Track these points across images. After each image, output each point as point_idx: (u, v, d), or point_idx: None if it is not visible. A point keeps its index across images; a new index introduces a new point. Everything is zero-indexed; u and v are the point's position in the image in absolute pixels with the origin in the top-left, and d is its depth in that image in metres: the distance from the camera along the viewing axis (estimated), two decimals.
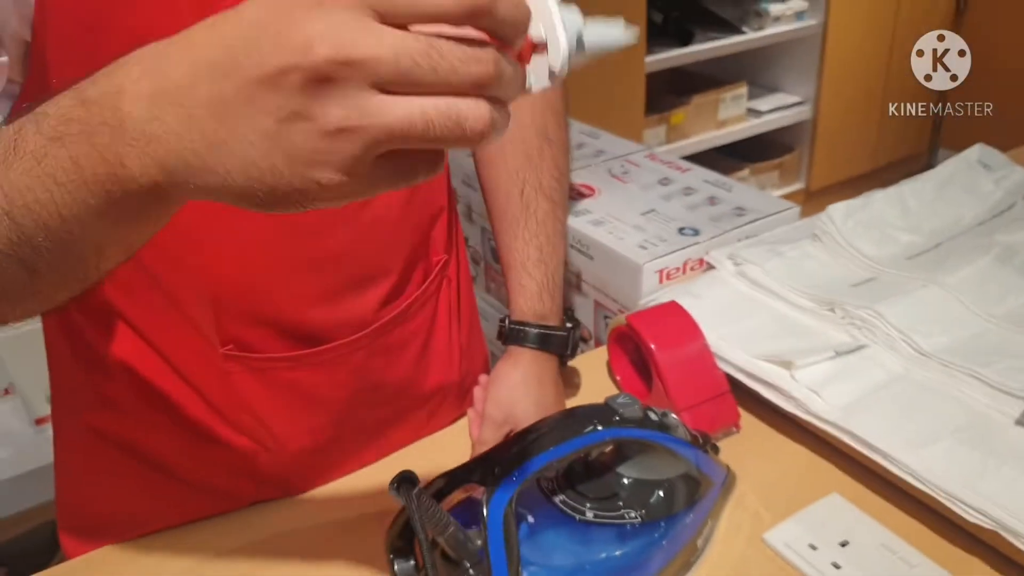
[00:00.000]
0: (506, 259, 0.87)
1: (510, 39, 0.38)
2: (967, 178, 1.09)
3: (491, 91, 0.37)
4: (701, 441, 0.71)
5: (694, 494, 0.69)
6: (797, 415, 0.78)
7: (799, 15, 2.86)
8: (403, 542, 0.63)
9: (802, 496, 0.73)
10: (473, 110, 0.36)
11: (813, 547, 0.67)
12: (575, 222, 1.12)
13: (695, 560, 0.68)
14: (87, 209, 0.39)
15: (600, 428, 0.64)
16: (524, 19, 0.38)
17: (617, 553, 0.64)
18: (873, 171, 3.22)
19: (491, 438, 0.80)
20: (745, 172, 2.95)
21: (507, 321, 0.85)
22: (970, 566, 0.66)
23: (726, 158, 2.94)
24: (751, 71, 3.03)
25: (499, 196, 0.87)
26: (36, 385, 1.89)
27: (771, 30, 2.81)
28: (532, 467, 0.60)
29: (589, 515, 0.65)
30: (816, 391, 0.77)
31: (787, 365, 0.80)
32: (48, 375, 0.81)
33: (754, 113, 2.95)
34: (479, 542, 0.58)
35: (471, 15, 0.36)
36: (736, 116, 2.90)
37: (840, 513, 0.71)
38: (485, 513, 0.57)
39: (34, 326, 1.94)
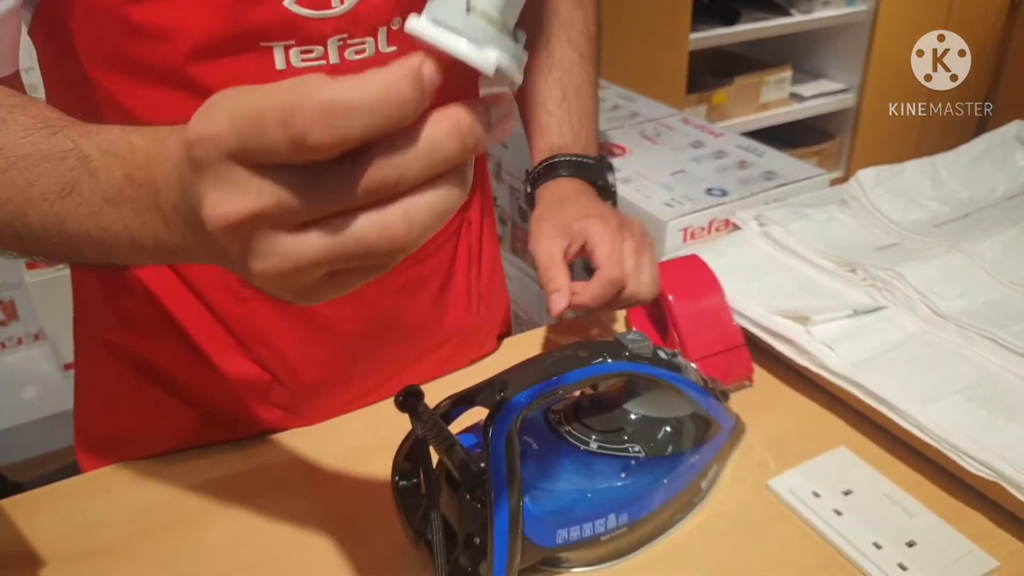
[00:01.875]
0: (527, 104, 0.84)
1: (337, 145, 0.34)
2: (1002, 153, 1.08)
3: (396, 189, 0.35)
4: (711, 386, 0.71)
5: (700, 436, 0.69)
6: (809, 368, 0.78)
7: (849, 0, 2.82)
8: (409, 464, 0.64)
9: (809, 449, 0.73)
10: (387, 216, 0.35)
11: (816, 494, 0.68)
12: None
13: (698, 501, 0.69)
14: (134, 249, 0.45)
15: (609, 360, 0.64)
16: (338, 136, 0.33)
17: (619, 484, 0.64)
18: None
19: (549, 253, 0.75)
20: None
21: (527, 176, 0.82)
22: (967, 517, 0.66)
23: (765, 141, 2.91)
24: (796, 55, 2.99)
25: None
26: (65, 331, 1.92)
27: (819, 14, 2.77)
28: (537, 392, 0.60)
29: (594, 446, 0.65)
30: (831, 346, 0.77)
31: (803, 321, 0.80)
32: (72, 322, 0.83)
33: (797, 98, 2.92)
34: (482, 464, 0.58)
35: (296, 148, 0.33)
36: (778, 100, 2.87)
37: (845, 465, 0.71)
38: (489, 434, 0.57)
39: (63, 272, 1.97)
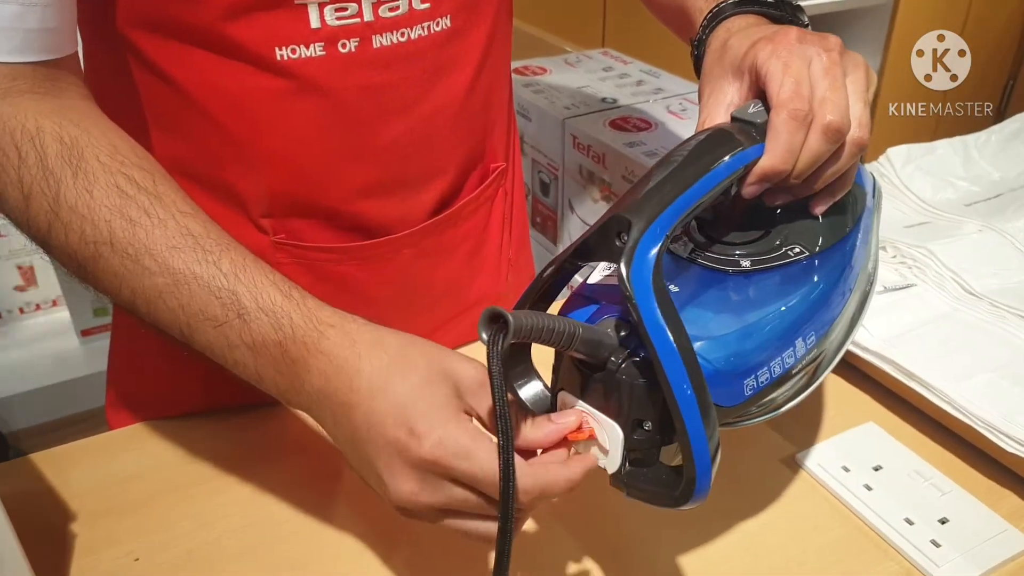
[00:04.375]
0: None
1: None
2: None
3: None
4: None
5: (854, 207, 0.58)
6: None
7: None
8: (520, 365, 0.51)
9: (837, 424, 0.73)
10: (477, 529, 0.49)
11: (846, 469, 0.68)
12: (629, 152, 1.12)
13: (871, 290, 0.60)
14: (249, 379, 0.54)
15: (746, 146, 0.50)
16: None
17: (795, 299, 0.52)
18: None
19: (708, 116, 0.58)
20: None
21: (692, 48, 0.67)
22: (1001, 497, 0.66)
23: None
24: None
25: None
26: (84, 298, 1.94)
27: None
28: (672, 217, 0.46)
29: (746, 263, 0.53)
30: (861, 322, 0.77)
31: None
32: None
33: None
34: (617, 332, 0.48)
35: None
36: None
37: (875, 440, 0.71)
38: (629, 287, 0.44)
39: None
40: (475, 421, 0.50)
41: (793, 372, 0.51)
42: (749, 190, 0.53)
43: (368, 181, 0.72)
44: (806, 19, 0.65)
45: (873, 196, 0.60)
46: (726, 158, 0.50)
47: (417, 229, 0.77)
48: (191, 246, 0.52)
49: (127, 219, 0.52)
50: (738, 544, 0.63)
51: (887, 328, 0.76)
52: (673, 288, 0.52)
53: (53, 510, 0.66)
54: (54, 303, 2.05)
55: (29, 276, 1.97)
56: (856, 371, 0.78)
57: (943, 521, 0.62)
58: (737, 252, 0.54)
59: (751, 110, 0.53)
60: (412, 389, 0.48)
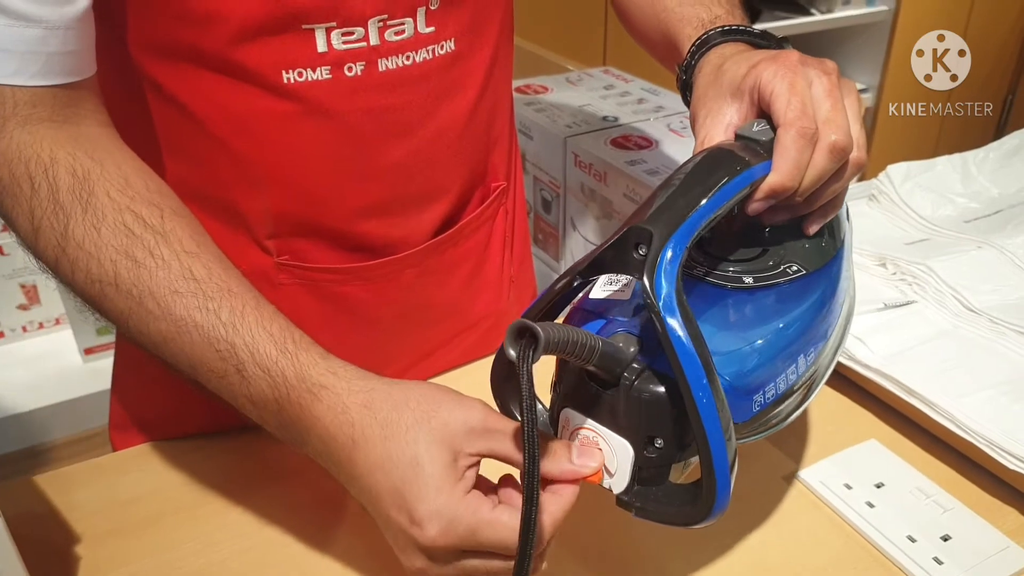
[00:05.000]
0: (659, 24, 0.74)
1: None
2: None
3: None
4: None
5: (838, 229, 0.60)
6: (840, 361, 0.78)
7: (870, 0, 2.81)
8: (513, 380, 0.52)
9: (839, 441, 0.73)
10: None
11: (848, 486, 0.68)
12: (630, 170, 1.12)
13: (853, 309, 0.61)
14: (256, 421, 0.55)
15: (753, 163, 0.51)
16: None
17: (795, 315, 0.53)
18: None
19: (707, 135, 0.59)
20: None
21: (677, 75, 0.68)
22: (1003, 513, 0.66)
23: None
24: (816, 54, 2.93)
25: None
26: (87, 317, 1.93)
27: (840, 13, 2.76)
28: (691, 228, 0.46)
29: (749, 280, 0.53)
30: (862, 339, 0.77)
31: None
32: None
33: None
34: (628, 346, 0.48)
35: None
36: None
37: (876, 457, 0.71)
38: (653, 298, 0.44)
39: None
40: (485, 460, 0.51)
41: (795, 388, 0.52)
42: (755, 206, 0.54)
43: (371, 202, 0.73)
44: (789, 48, 0.65)
45: (848, 219, 0.63)
46: (736, 174, 0.50)
47: (420, 249, 0.77)
48: (193, 291, 0.53)
49: (132, 259, 0.53)
50: (740, 561, 0.63)
51: (888, 345, 0.76)
52: None
53: (57, 531, 0.66)
54: (57, 322, 2.05)
55: (32, 295, 1.98)
56: (857, 388, 0.78)
57: (945, 538, 0.62)
58: (736, 269, 0.54)
59: (755, 128, 0.54)
60: (408, 469, 0.49)
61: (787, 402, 0.53)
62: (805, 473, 0.69)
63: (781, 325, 0.52)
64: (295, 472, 0.72)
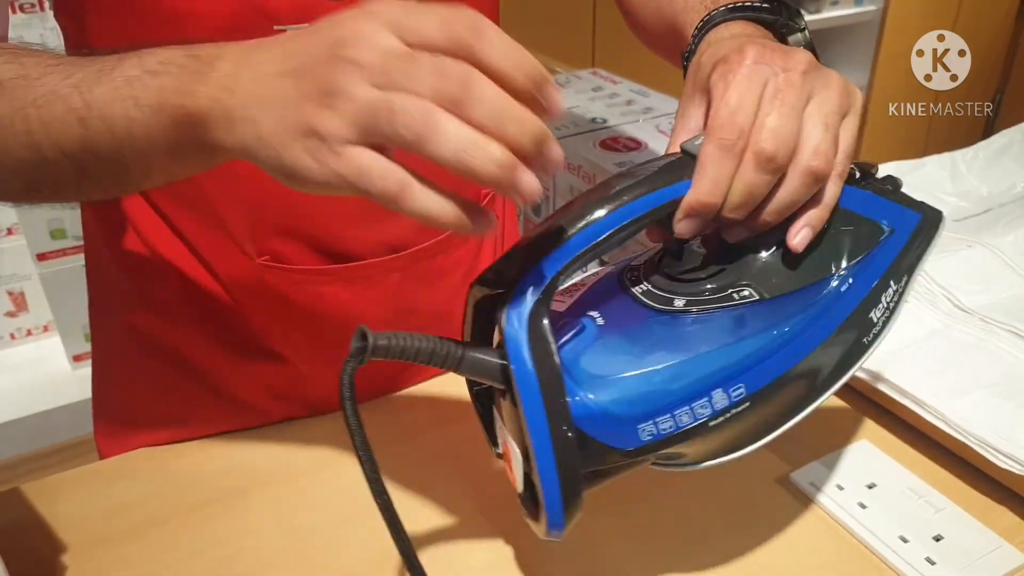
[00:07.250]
0: (663, 16, 0.71)
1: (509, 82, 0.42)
2: (1021, 149, 1.08)
3: (463, 109, 0.40)
4: (858, 175, 0.54)
5: (852, 246, 0.52)
6: None
7: (858, 0, 2.82)
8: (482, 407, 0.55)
9: (831, 443, 0.73)
10: (441, 123, 0.40)
11: (840, 487, 0.67)
12: (619, 172, 1.12)
13: (872, 341, 0.53)
14: (150, 130, 0.47)
15: (667, 185, 0.48)
16: (517, 63, 0.43)
17: (722, 347, 0.48)
18: None
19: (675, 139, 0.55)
20: None
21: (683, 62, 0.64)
22: (995, 513, 0.66)
23: None
24: None
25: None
26: (75, 323, 1.93)
27: (828, 13, 2.77)
28: (553, 267, 0.46)
29: (679, 303, 0.50)
30: None
31: None
32: (88, 307, 0.83)
33: None
34: (496, 360, 0.47)
35: (454, 45, 0.41)
36: None
37: (868, 459, 0.71)
38: (502, 326, 0.45)
39: (75, 264, 1.97)
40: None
41: (711, 424, 0.48)
42: (679, 227, 0.49)
43: (352, 211, 0.72)
44: (803, 22, 0.62)
45: (911, 233, 0.54)
46: (636, 197, 0.48)
47: (406, 254, 0.77)
48: (68, 60, 0.51)
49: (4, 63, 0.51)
50: (732, 563, 0.63)
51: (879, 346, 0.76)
52: (599, 320, 0.51)
53: (43, 541, 0.65)
54: (45, 329, 2.05)
55: (20, 302, 1.97)
56: (849, 389, 0.78)
57: (938, 538, 0.62)
58: (673, 290, 0.51)
59: (696, 142, 0.50)
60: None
61: (711, 436, 0.49)
62: (796, 475, 0.69)
63: (692, 355, 0.48)
64: (283, 478, 0.71)
